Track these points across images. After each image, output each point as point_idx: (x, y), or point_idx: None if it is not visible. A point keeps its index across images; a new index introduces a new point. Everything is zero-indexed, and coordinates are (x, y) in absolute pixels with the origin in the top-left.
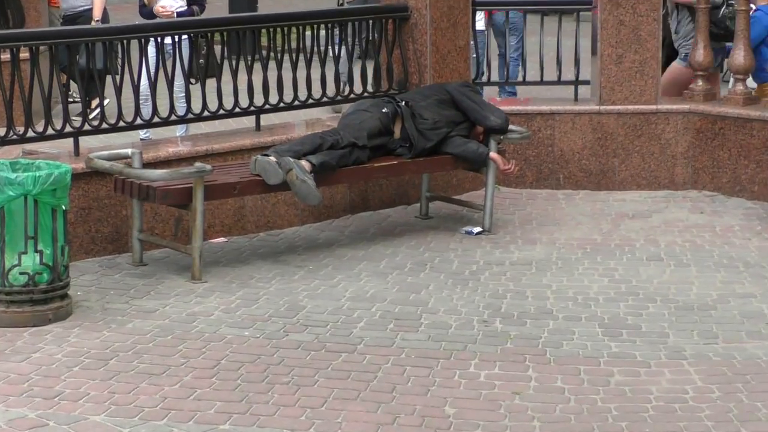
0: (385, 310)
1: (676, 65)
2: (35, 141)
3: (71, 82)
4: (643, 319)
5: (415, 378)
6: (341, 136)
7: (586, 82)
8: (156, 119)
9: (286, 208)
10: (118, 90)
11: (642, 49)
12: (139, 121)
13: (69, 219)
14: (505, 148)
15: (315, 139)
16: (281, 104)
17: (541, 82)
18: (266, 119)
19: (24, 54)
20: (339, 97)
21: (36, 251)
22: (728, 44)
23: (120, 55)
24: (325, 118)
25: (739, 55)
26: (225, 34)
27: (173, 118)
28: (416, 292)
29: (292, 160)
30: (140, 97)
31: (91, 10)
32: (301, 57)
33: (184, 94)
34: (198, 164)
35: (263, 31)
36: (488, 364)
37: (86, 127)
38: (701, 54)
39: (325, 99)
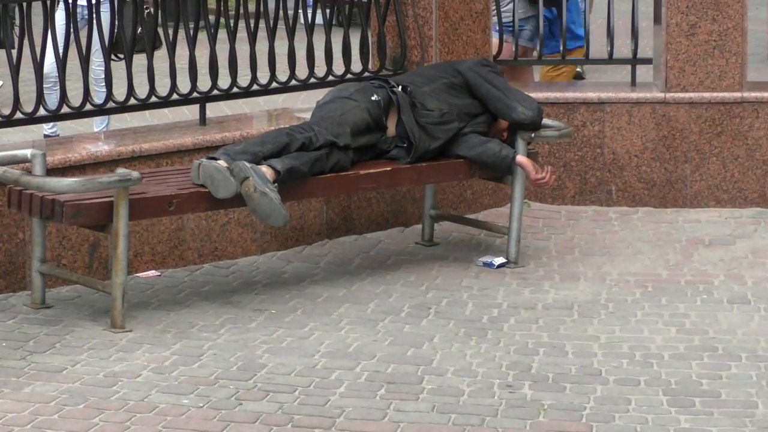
0: (374, 371)
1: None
2: None
3: None
4: (723, 383)
5: None
6: (315, 132)
7: (647, 61)
8: (65, 109)
9: (240, 231)
10: (15, 70)
11: (722, 16)
12: (42, 111)
13: None
14: (537, 150)
15: (280, 136)
16: (234, 89)
17: (587, 60)
18: (214, 109)
19: None
20: (313, 80)
21: None
22: None
23: (17, 22)
24: (294, 109)
25: None
26: None
27: (89, 107)
28: (416, 345)
29: (248, 165)
30: (45, 80)
31: None
32: (262, 25)
33: (104, 76)
34: (121, 171)
35: None
36: None
37: None
38: None
39: (293, 82)
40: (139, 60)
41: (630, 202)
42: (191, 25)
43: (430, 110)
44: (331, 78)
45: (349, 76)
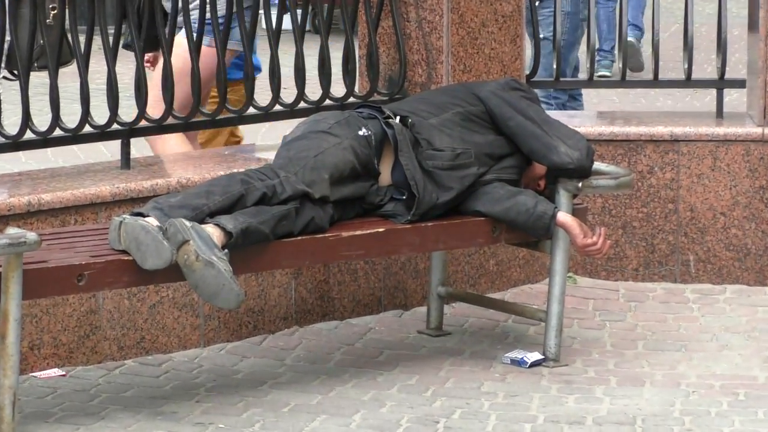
0: None
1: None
2: None
3: None
4: None
5: None
6: (281, 180)
7: (739, 84)
8: None
9: (176, 315)
10: None
11: None
12: None
13: None
14: (586, 206)
15: (232, 185)
16: (170, 120)
17: (655, 83)
18: (142, 147)
19: None
20: (278, 108)
21: None
22: None
23: None
24: (252, 147)
25: None
26: None
27: None
28: None
29: (188, 224)
30: None
31: None
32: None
33: None
34: (13, 231)
35: None
36: None
37: None
38: None
39: (251, 110)
40: (39, 79)
41: (714, 278)
42: (111, 32)
43: (439, 150)
44: (302, 105)
45: (327, 102)
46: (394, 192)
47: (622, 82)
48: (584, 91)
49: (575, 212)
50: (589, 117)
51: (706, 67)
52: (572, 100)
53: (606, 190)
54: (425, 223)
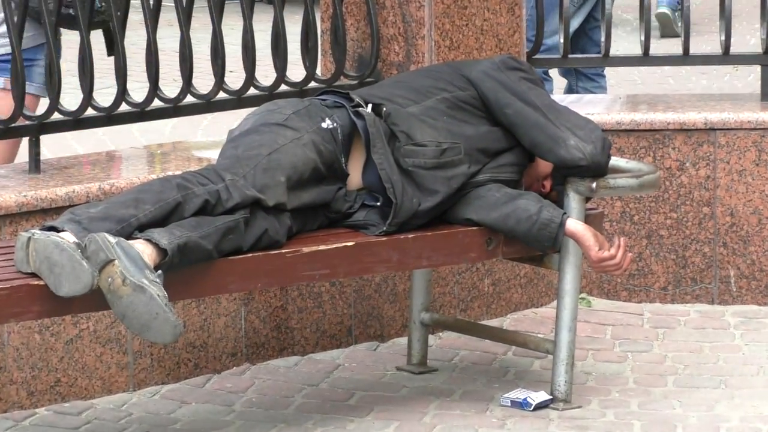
0: None
1: None
2: None
3: None
4: None
5: None
6: (227, 184)
7: None
8: None
9: (99, 352)
10: None
11: None
12: None
13: None
14: (603, 211)
15: (167, 191)
16: (89, 112)
17: (685, 58)
18: (55, 145)
19: None
20: (223, 95)
21: None
22: None
23: None
24: (191, 144)
25: None
26: None
27: None
28: None
29: (113, 239)
30: None
31: None
32: (135, 2)
33: None
34: None
35: None
36: None
37: None
38: None
39: (189, 99)
40: None
41: (760, 298)
42: (13, 5)
43: (420, 145)
44: (252, 92)
45: (283, 88)
46: (366, 197)
47: (645, 58)
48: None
49: (588, 219)
50: (604, 102)
51: (748, 38)
52: (587, 80)
53: (626, 191)
54: (405, 235)
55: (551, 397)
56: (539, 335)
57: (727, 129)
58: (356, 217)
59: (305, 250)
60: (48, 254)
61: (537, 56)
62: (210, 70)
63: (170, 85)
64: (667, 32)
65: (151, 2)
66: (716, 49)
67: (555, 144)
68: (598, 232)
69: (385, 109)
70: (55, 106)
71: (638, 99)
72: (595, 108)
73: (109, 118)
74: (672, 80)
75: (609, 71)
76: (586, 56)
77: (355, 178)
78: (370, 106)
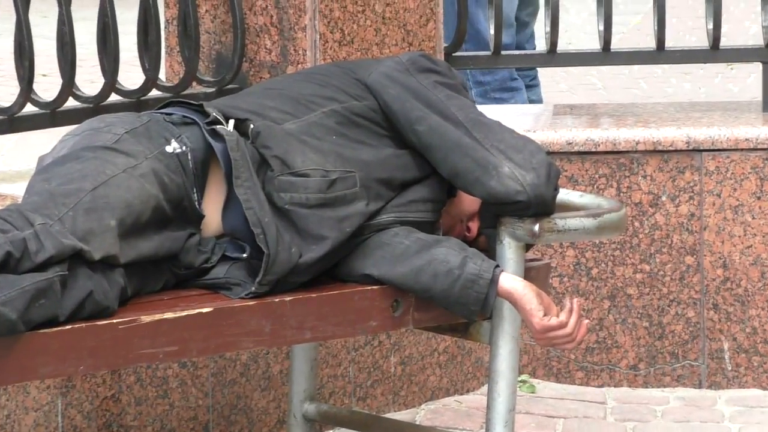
0: None
1: None
2: None
3: None
4: None
5: None
6: (36, 230)
7: None
8: None
9: None
10: None
11: None
12: None
13: None
14: (549, 261)
15: None
16: None
17: (659, 55)
18: None
19: None
20: (31, 108)
21: None
22: None
23: None
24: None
25: None
26: None
27: None
28: None
29: None
30: None
31: None
32: None
33: None
34: None
35: None
36: None
37: None
38: None
39: None
40: None
41: (765, 379)
42: None
43: (301, 174)
44: (71, 103)
45: (113, 97)
46: (228, 247)
47: (606, 55)
48: (546, 74)
49: (530, 273)
50: (551, 114)
51: (747, 26)
52: (515, 91)
53: (581, 235)
54: (280, 298)
55: None
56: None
57: (718, 150)
58: (215, 274)
59: (145, 319)
60: None
61: (460, 53)
62: (13, 74)
63: None
64: None
65: None
66: (702, 41)
67: (483, 172)
68: (542, 291)
69: (252, 126)
70: None
71: (597, 110)
72: (534, 122)
73: None
74: (644, 84)
75: (557, 73)
76: (525, 53)
77: (213, 220)
78: (232, 122)
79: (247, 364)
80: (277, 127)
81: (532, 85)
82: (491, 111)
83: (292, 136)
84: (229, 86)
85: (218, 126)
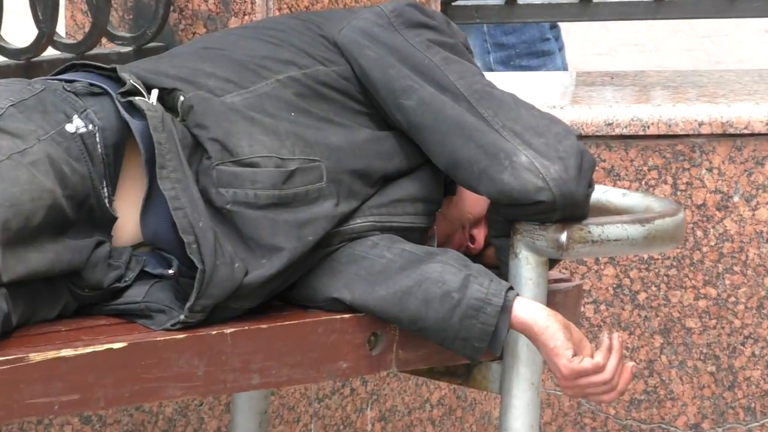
0: None
1: None
2: None
3: None
4: None
5: None
6: None
7: None
8: None
9: None
10: None
11: None
12: None
13: None
14: (580, 283)
15: None
16: None
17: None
18: None
19: None
20: None
21: None
22: None
23: None
24: None
25: None
26: None
27: None
28: None
29: None
30: None
31: None
32: None
33: None
34: None
35: None
36: None
37: None
38: None
39: None
40: None
41: None
42: None
43: (248, 164)
44: None
45: None
46: (149, 260)
47: (659, 5)
48: (578, 32)
49: (556, 299)
50: (584, 85)
51: None
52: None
53: (624, 247)
54: (219, 329)
55: None
56: None
57: None
58: (130, 297)
59: (36, 358)
60: None
61: (461, 1)
62: None
63: None
64: None
65: None
66: None
67: (492, 162)
68: (571, 323)
69: (183, 98)
70: None
71: (647, 79)
72: (561, 95)
73: None
74: (710, 44)
75: (593, 30)
76: (549, 2)
77: (129, 225)
78: (155, 93)
79: (172, 419)
80: (216, 100)
81: (543, 44)
82: (501, 80)
83: (237, 112)
84: (152, 44)
85: (137, 98)
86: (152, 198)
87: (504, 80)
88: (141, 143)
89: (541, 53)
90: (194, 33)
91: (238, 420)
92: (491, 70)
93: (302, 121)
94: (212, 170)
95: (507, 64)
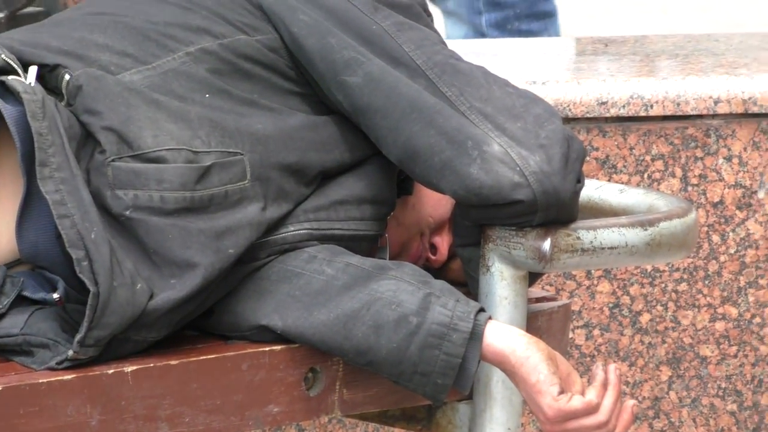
0: None
1: None
2: None
3: None
4: None
5: None
6: None
7: None
8: None
9: None
10: None
11: None
12: None
13: None
14: (568, 302)
15: None
16: None
17: None
18: None
19: None
20: None
21: None
22: None
23: None
24: None
25: None
26: None
27: None
28: None
29: None
30: None
31: None
32: None
33: None
34: None
35: None
36: None
37: None
38: None
39: None
40: None
41: None
42: None
43: (151, 159)
44: None
45: None
46: (28, 282)
47: None
48: None
49: (537, 321)
50: (572, 54)
51: None
52: (547, 19)
53: (622, 257)
54: (118, 367)
55: None
56: None
57: None
58: (4, 329)
59: None
60: None
61: None
62: None
63: None
64: None
65: None
66: None
67: (458, 152)
68: (557, 352)
69: (69, 77)
70: None
71: (650, 46)
72: (544, 68)
73: None
74: (729, 1)
75: None
76: None
77: (1, 237)
78: (34, 70)
79: None
80: (110, 79)
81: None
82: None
83: (137, 93)
84: (29, 9)
85: (10, 77)
86: (31, 203)
87: (499, 50)
88: (16, 134)
89: (542, 14)
90: None
91: None
92: (483, 35)
93: (219, 104)
94: (107, 167)
95: (503, 28)
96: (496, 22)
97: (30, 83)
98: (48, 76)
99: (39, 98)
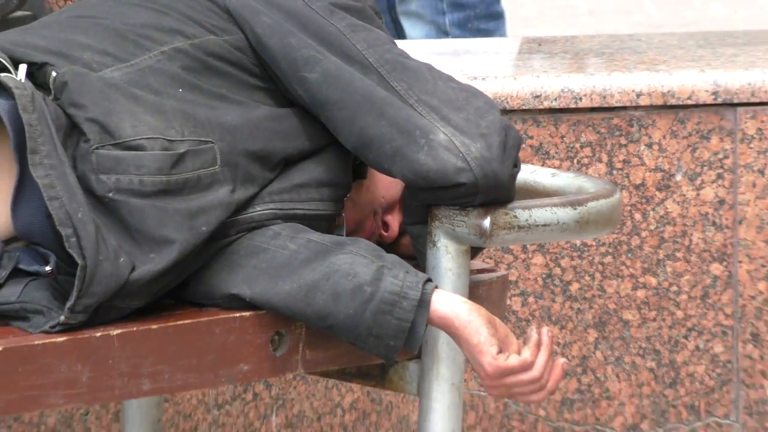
0: None
1: None
2: None
3: None
4: None
5: None
6: None
7: None
8: None
9: None
10: None
11: None
12: None
13: None
14: (506, 273)
15: None
16: None
17: None
18: None
19: None
20: None
21: None
22: None
23: None
24: None
25: None
26: None
27: None
28: None
29: None
30: None
31: None
32: None
33: None
34: None
35: None
36: None
37: None
38: None
39: None
40: None
41: None
42: None
43: (131, 147)
44: None
45: None
46: (23, 256)
47: None
48: None
49: (478, 290)
50: (511, 53)
51: None
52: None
53: (554, 233)
54: (104, 331)
55: None
56: None
57: (760, 104)
58: (3, 297)
59: None
60: None
61: None
62: None
63: None
64: None
65: None
66: None
67: (407, 141)
68: (496, 317)
69: (55, 74)
70: None
71: (580, 44)
72: (483, 65)
73: None
74: (651, 5)
75: None
76: None
77: (0, 217)
78: (23, 68)
79: (56, 430)
80: (92, 76)
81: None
82: (459, 48)
83: (117, 88)
84: (18, 13)
85: (2, 74)
86: (24, 187)
87: (413, 48)
88: (9, 126)
89: (496, 15)
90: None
91: (129, 430)
92: (446, 34)
93: (191, 98)
94: (91, 154)
95: (464, 27)
96: (458, 21)
97: (21, 80)
98: (37, 73)
99: (29, 93)
